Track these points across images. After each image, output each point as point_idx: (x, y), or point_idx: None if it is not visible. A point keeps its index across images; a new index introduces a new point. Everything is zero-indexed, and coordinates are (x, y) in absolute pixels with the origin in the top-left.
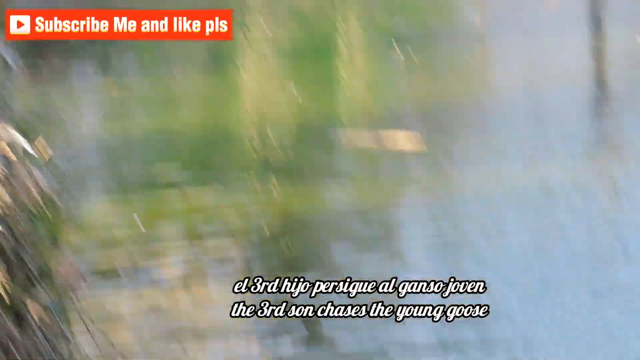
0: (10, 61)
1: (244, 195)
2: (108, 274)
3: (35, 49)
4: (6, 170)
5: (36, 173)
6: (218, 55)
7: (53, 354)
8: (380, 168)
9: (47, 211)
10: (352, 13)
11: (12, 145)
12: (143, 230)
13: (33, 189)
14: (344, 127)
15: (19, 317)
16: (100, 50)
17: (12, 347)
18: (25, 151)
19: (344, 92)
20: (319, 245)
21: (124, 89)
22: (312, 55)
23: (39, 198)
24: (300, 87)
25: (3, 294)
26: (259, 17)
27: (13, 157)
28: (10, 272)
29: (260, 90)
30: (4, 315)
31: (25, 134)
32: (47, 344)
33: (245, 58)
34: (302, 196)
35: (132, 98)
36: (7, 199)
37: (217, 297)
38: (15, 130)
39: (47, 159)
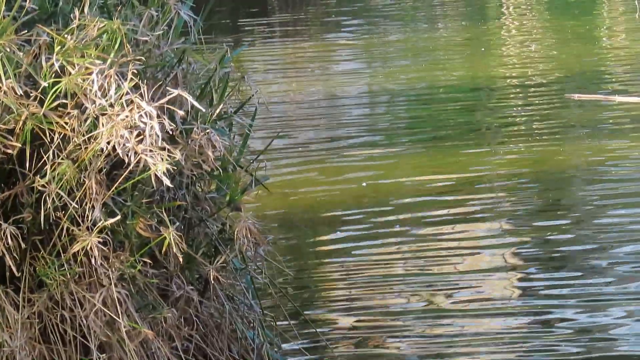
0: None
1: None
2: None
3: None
4: (180, 130)
5: (211, 132)
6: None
7: (239, 319)
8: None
9: (225, 172)
10: None
11: (184, 106)
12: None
13: (208, 149)
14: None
15: (200, 281)
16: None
17: (192, 311)
18: (198, 111)
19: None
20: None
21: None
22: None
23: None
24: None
25: (180, 257)
26: None
27: (184, 117)
28: (188, 234)
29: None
30: (183, 279)
31: (202, 93)
32: (231, 308)
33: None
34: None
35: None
36: (182, 159)
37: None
38: (189, 91)
39: (222, 118)
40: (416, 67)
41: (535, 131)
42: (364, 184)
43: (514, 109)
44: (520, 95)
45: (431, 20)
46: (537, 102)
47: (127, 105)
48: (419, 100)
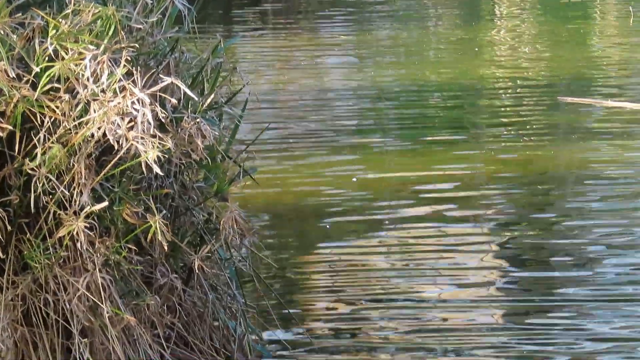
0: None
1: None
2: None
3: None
4: (171, 118)
5: (201, 121)
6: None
7: (222, 309)
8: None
9: (213, 161)
10: None
11: (176, 94)
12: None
13: (198, 138)
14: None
15: (184, 270)
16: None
17: (175, 299)
18: (189, 100)
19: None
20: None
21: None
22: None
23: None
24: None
25: (165, 245)
26: None
27: (176, 105)
28: (174, 222)
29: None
30: (168, 267)
31: (193, 82)
32: (214, 298)
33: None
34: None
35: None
36: (172, 147)
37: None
38: (181, 79)
39: (213, 107)
40: (407, 64)
41: (526, 132)
42: (354, 179)
43: (505, 109)
44: (511, 96)
45: (423, 19)
46: (528, 103)
47: (120, 92)
48: (409, 97)
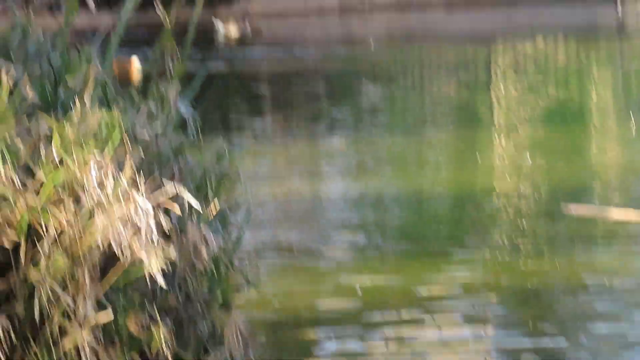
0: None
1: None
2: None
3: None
4: (175, 227)
5: (206, 231)
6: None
7: None
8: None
9: (218, 271)
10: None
11: (180, 201)
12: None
13: (202, 247)
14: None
15: None
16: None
17: None
18: (193, 208)
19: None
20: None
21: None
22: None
23: (207, 257)
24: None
25: (169, 356)
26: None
27: (180, 214)
28: (178, 333)
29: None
30: None
31: (198, 190)
32: None
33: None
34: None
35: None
36: (176, 257)
37: None
38: (185, 187)
39: (217, 216)
40: (404, 171)
41: (524, 242)
42: (357, 287)
43: (503, 219)
44: (510, 205)
45: (421, 123)
46: (527, 212)
47: (124, 199)
48: (407, 205)
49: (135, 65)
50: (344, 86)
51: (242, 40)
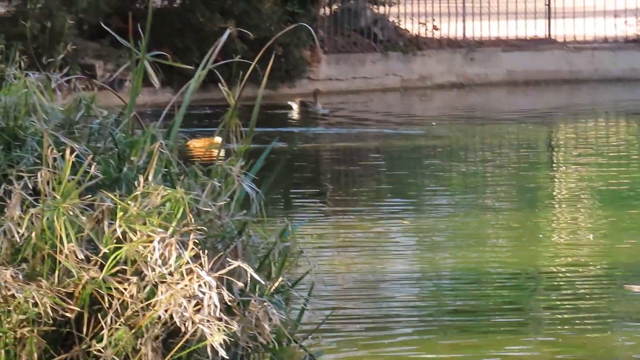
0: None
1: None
2: None
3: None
4: (238, 301)
5: (268, 305)
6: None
7: None
8: None
9: (280, 345)
10: None
11: (243, 276)
12: None
13: (265, 322)
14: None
15: None
16: None
17: None
18: (256, 283)
19: None
20: None
21: None
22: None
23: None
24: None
25: None
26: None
27: (243, 288)
28: None
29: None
30: None
31: (260, 265)
32: None
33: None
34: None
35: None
36: (238, 331)
37: None
38: (248, 262)
39: (279, 290)
40: (465, 248)
41: (584, 320)
42: None
43: (564, 296)
44: (571, 283)
45: (481, 201)
46: (588, 291)
47: (187, 275)
48: (466, 284)
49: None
50: (406, 163)
51: (313, 118)
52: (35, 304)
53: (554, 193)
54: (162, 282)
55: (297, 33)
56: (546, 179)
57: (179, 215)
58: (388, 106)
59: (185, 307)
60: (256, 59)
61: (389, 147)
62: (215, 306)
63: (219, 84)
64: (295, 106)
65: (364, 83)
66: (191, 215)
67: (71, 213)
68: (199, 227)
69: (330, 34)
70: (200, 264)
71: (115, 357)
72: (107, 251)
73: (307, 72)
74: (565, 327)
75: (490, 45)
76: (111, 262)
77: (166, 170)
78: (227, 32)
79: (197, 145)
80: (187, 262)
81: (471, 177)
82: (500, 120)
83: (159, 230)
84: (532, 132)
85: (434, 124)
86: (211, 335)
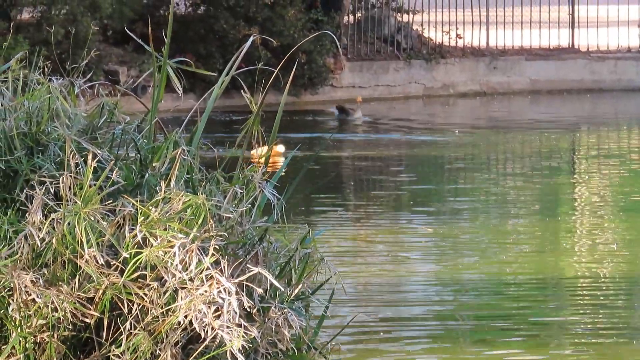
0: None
1: None
2: None
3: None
4: (258, 308)
5: (288, 312)
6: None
7: None
8: None
9: (299, 351)
10: None
11: (263, 282)
12: None
13: (284, 328)
14: None
15: None
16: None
17: None
18: (276, 286)
19: None
20: None
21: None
22: None
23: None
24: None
25: None
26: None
27: (263, 294)
28: None
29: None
30: None
31: (281, 271)
32: None
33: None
34: None
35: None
36: (258, 337)
37: None
38: (269, 268)
39: (299, 297)
40: (486, 256)
41: (607, 332)
42: None
43: (586, 307)
44: (594, 294)
45: (504, 208)
46: (610, 302)
47: (207, 280)
48: (488, 292)
49: (281, 151)
50: (429, 171)
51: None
52: (55, 309)
53: (577, 201)
54: (183, 288)
55: (320, 40)
56: (569, 187)
57: (200, 221)
58: (410, 114)
59: (205, 313)
60: (279, 66)
61: (412, 155)
62: (235, 312)
63: (242, 91)
64: (336, 113)
65: (386, 91)
66: (212, 221)
67: (92, 218)
68: (219, 233)
69: (354, 42)
70: (221, 270)
71: None
72: (128, 256)
73: (330, 79)
74: (588, 339)
75: (514, 54)
76: (131, 267)
77: (188, 176)
78: (251, 38)
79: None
80: (208, 268)
81: (494, 185)
82: (523, 129)
83: (180, 235)
84: (555, 140)
85: (456, 132)
86: (230, 341)
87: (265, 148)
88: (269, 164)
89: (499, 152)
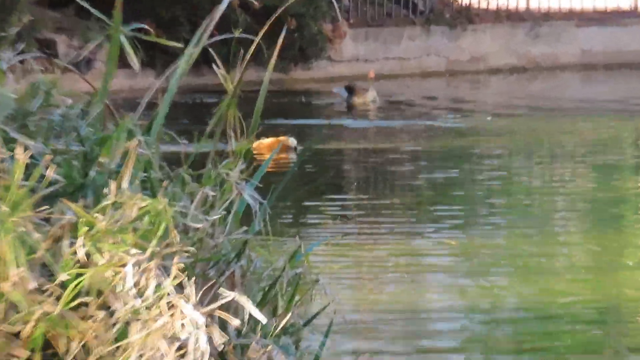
0: None
1: None
2: None
3: None
4: (234, 345)
5: (273, 349)
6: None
7: None
8: None
9: None
10: None
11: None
12: None
13: None
14: None
15: None
16: None
17: None
18: (257, 317)
19: None
20: None
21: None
22: None
23: None
24: None
25: None
26: None
27: (240, 328)
28: None
29: None
30: None
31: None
32: None
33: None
34: None
35: None
36: None
37: None
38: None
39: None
40: (528, 277)
41: None
42: None
43: None
44: None
45: (549, 217)
46: None
47: (168, 309)
48: (531, 320)
49: (292, 145)
50: (451, 168)
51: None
52: None
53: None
54: (137, 319)
55: (315, 1)
56: (632, 189)
57: (160, 233)
58: (429, 95)
59: (165, 352)
60: (261, 33)
61: (430, 147)
62: (204, 351)
63: (214, 66)
64: (342, 93)
65: (398, 65)
66: (176, 233)
67: (22, 229)
68: (185, 248)
69: (357, 3)
70: (186, 296)
71: None
72: (66, 278)
73: (327, 50)
74: None
75: (561, 18)
76: (71, 293)
77: (146, 175)
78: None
79: (264, 143)
80: (169, 293)
81: (536, 187)
82: (573, 113)
83: (134, 251)
84: (613, 128)
85: (488, 118)
86: None
87: (272, 139)
88: (275, 160)
89: (543, 143)
